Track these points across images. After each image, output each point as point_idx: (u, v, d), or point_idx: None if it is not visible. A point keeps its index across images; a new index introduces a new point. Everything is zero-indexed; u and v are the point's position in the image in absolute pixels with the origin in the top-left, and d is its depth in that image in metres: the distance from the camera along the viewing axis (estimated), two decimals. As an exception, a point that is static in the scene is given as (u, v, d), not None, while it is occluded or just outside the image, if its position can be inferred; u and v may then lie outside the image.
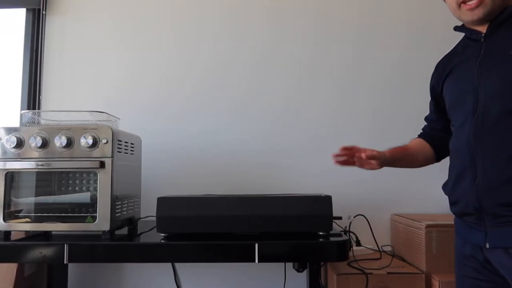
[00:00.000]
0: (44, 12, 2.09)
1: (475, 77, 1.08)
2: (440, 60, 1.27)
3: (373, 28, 2.04)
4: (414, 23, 2.03)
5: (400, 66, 2.02)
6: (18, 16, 2.12)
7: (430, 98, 1.33)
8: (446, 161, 2.01)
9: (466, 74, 1.11)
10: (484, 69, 1.07)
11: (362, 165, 1.22)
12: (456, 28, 1.19)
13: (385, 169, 1.94)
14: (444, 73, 1.21)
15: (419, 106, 1.96)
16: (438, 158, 1.33)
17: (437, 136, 1.31)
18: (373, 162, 1.20)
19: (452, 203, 1.16)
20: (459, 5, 1.10)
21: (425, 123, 1.39)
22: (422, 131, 1.38)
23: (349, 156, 1.23)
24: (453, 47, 1.25)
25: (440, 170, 1.95)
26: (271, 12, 2.07)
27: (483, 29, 1.11)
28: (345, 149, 1.23)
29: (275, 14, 2.06)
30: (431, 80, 1.29)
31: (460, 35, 1.21)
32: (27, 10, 2.11)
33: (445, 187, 1.20)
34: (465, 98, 1.10)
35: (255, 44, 2.06)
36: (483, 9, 1.07)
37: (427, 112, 1.39)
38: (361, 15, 2.05)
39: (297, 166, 1.99)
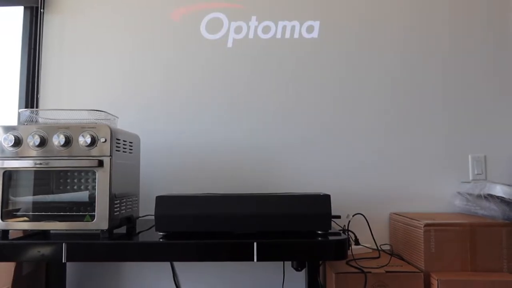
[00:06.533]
0: (42, 10, 2.08)
1: None
2: None
3: (373, 26, 2.04)
4: (412, 24, 2.03)
5: (399, 66, 2.01)
6: (16, 14, 2.11)
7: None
8: (445, 161, 2.01)
9: None
10: None
11: None
12: None
13: (384, 168, 1.97)
14: None
15: (418, 104, 1.98)
16: None
17: None
18: None
19: None
20: None
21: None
22: None
23: None
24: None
25: (439, 169, 1.96)
26: (266, 10, 2.07)
27: None
28: None
29: (270, 12, 2.06)
30: None
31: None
32: (25, 8, 2.10)
33: None
34: None
35: (252, 44, 2.06)
36: None
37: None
38: (360, 15, 2.05)
39: (296, 165, 1.99)
